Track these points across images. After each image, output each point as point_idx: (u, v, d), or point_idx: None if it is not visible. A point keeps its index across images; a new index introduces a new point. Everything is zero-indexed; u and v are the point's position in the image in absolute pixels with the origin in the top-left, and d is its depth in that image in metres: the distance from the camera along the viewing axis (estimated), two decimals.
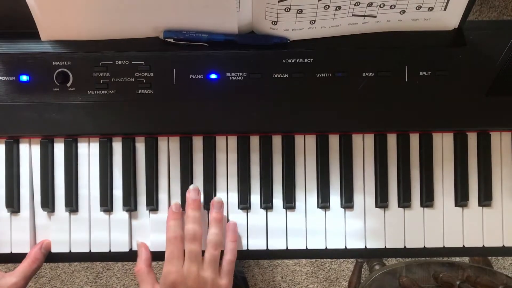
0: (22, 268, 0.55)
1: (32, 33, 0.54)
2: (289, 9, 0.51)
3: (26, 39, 0.56)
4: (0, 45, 0.55)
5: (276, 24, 0.54)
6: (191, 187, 0.56)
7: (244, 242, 0.58)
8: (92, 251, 0.58)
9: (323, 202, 0.58)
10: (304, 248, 0.58)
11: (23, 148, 0.58)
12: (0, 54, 0.55)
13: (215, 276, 0.53)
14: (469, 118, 0.56)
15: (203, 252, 0.54)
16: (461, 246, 0.59)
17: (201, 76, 0.55)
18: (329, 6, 0.51)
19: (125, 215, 0.58)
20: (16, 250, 0.58)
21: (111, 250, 0.58)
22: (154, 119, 0.55)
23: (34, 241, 0.58)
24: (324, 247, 0.58)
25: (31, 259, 0.55)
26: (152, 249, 0.58)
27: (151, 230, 0.58)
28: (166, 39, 0.55)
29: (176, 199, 0.58)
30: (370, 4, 0.52)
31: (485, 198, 0.58)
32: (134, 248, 0.58)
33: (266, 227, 0.58)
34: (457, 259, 1.19)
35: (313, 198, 0.58)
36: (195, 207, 0.55)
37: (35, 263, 0.55)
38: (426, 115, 0.56)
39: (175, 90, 0.55)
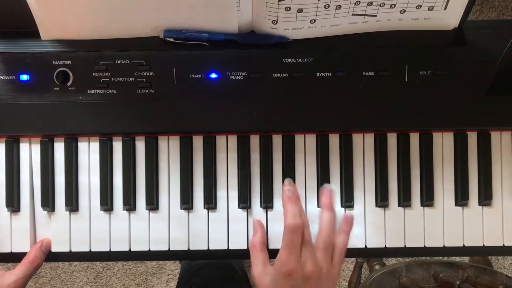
0: (22, 267, 0.55)
1: (32, 33, 0.54)
2: (289, 8, 0.51)
3: (26, 39, 0.56)
4: (0, 44, 0.55)
5: (276, 24, 0.54)
6: (286, 181, 0.56)
7: (244, 241, 0.58)
8: (92, 250, 0.58)
9: None
10: None
11: (23, 147, 0.58)
12: (0, 53, 0.55)
13: (328, 264, 0.51)
14: (469, 117, 0.56)
15: None
16: (461, 245, 0.59)
17: (201, 76, 0.55)
18: (329, 5, 0.51)
19: (125, 214, 0.58)
20: (16, 249, 0.57)
21: (111, 250, 0.58)
22: (154, 119, 0.55)
23: (34, 240, 0.58)
24: None
25: (31, 257, 0.55)
26: (153, 249, 0.58)
27: (151, 230, 0.58)
28: (166, 39, 0.55)
29: (176, 199, 0.58)
30: (370, 3, 0.52)
31: (485, 198, 0.58)
32: (134, 248, 0.58)
33: (266, 227, 0.58)
34: (457, 259, 1.19)
35: (313, 198, 0.58)
36: (296, 200, 0.54)
37: (35, 262, 0.55)
38: (426, 115, 0.56)
39: (175, 89, 0.55)
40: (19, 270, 0.54)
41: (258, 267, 0.52)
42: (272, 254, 0.58)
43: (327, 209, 0.54)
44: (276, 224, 0.58)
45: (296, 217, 0.51)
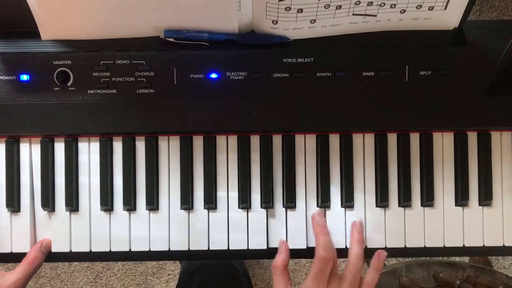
0: (22, 267, 0.55)
1: (32, 33, 0.54)
2: (290, 8, 0.51)
3: (26, 39, 0.56)
4: (0, 45, 0.55)
5: (276, 24, 0.54)
6: (316, 212, 0.57)
7: (244, 241, 0.58)
8: (92, 250, 0.58)
9: (323, 202, 0.58)
10: (305, 247, 0.58)
11: (24, 147, 0.58)
12: (0, 53, 0.55)
13: None
14: (469, 117, 0.56)
15: None
16: (461, 245, 0.59)
17: (202, 76, 0.55)
18: (329, 5, 0.51)
19: (125, 214, 0.58)
20: (16, 249, 0.57)
21: (111, 250, 0.58)
22: (155, 119, 0.55)
23: (34, 240, 0.58)
24: None
25: (31, 258, 0.55)
26: (153, 249, 0.58)
27: (151, 230, 0.58)
28: (167, 39, 0.55)
29: (177, 199, 0.58)
30: (371, 3, 0.52)
31: (485, 198, 0.58)
32: (134, 248, 0.58)
33: (266, 227, 0.58)
34: (457, 259, 1.18)
35: (313, 198, 0.58)
36: (327, 231, 0.56)
37: (35, 262, 0.55)
38: (426, 115, 0.56)
39: (175, 89, 0.55)
40: (19, 271, 0.54)
41: (280, 287, 0.53)
42: (272, 254, 0.58)
43: (357, 242, 0.55)
44: (277, 224, 0.58)
45: (328, 249, 0.53)
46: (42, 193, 0.57)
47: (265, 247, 0.58)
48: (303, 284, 0.52)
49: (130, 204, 0.57)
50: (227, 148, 0.59)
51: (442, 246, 0.58)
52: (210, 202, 0.57)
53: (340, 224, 0.58)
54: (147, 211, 0.58)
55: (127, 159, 0.58)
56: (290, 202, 0.58)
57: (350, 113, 0.56)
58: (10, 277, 0.54)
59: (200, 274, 0.90)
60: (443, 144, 0.59)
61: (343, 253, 0.58)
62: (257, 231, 0.58)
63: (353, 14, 0.53)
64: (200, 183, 0.58)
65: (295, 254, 0.59)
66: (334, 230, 0.58)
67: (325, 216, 0.58)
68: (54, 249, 0.58)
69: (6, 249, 0.58)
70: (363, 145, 0.59)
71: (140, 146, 0.58)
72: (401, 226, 0.58)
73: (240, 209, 0.58)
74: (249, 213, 0.58)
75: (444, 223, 0.59)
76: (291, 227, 0.58)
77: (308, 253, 0.58)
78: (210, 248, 0.58)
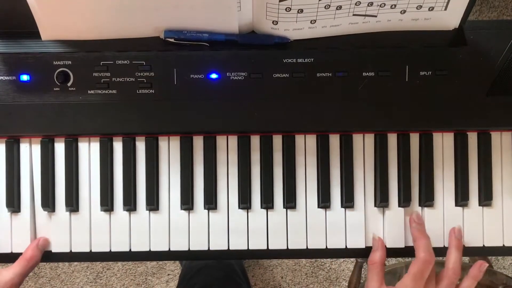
0: (19, 264, 0.55)
1: (32, 33, 0.54)
2: (290, 8, 0.51)
3: (26, 39, 0.55)
4: (0, 45, 0.55)
5: (276, 24, 0.54)
6: (414, 215, 0.57)
7: (244, 241, 0.58)
8: (92, 250, 0.58)
9: (324, 202, 0.58)
10: (305, 248, 0.58)
11: (24, 147, 0.58)
12: (0, 53, 0.55)
13: None
14: (469, 118, 0.56)
15: None
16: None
17: (202, 76, 0.55)
18: (329, 6, 0.51)
19: (126, 214, 0.58)
20: (16, 249, 0.57)
21: (111, 250, 0.58)
22: (155, 119, 0.55)
23: None
24: (324, 247, 0.58)
25: (28, 255, 0.55)
26: (153, 249, 0.58)
27: (152, 230, 0.58)
28: (167, 39, 0.55)
29: (177, 199, 0.58)
30: (371, 4, 0.52)
31: (486, 198, 0.58)
32: (134, 248, 0.58)
33: (266, 227, 0.58)
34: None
35: (313, 198, 0.58)
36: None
37: (32, 260, 0.55)
38: (426, 115, 0.56)
39: (175, 90, 0.55)
40: (15, 268, 0.54)
41: (374, 283, 0.54)
42: (272, 254, 0.58)
43: (456, 248, 0.55)
44: (277, 224, 0.58)
45: (430, 251, 0.53)
46: (42, 193, 0.57)
47: (265, 247, 0.58)
48: (400, 283, 0.52)
49: (130, 204, 0.57)
50: (227, 148, 0.59)
51: (442, 246, 0.58)
52: (210, 202, 0.57)
53: (340, 224, 0.58)
54: (147, 211, 0.58)
55: (127, 159, 0.58)
56: (290, 202, 0.58)
57: (350, 113, 0.56)
58: (7, 274, 0.54)
59: (201, 276, 0.91)
60: (443, 144, 0.59)
61: (342, 253, 0.58)
62: (257, 231, 0.58)
63: (353, 15, 0.53)
64: (200, 183, 0.58)
65: (295, 254, 0.59)
66: (334, 230, 0.58)
67: (325, 216, 0.58)
68: (54, 249, 0.58)
69: (6, 249, 0.58)
70: (363, 145, 0.59)
71: (140, 146, 0.58)
72: (401, 226, 0.58)
73: (240, 209, 0.58)
74: (249, 213, 0.58)
75: (444, 223, 0.59)
76: (292, 227, 0.58)
77: (308, 253, 0.58)
78: (210, 248, 0.58)
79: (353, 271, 1.22)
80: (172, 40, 0.55)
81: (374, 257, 0.56)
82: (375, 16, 0.54)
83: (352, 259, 1.37)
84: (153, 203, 0.57)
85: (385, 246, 0.57)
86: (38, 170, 0.58)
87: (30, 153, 0.58)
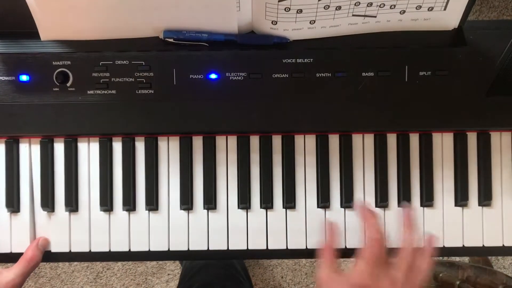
0: (20, 265, 0.55)
1: (32, 33, 0.54)
2: (289, 9, 0.51)
3: (26, 39, 0.56)
4: (0, 45, 0.55)
5: (276, 24, 0.54)
6: (359, 202, 0.57)
7: (244, 241, 0.58)
8: (92, 250, 0.58)
9: (323, 202, 0.58)
10: (304, 247, 0.58)
11: (23, 148, 0.58)
12: (0, 53, 0.55)
13: (405, 285, 0.49)
14: (469, 118, 0.56)
15: None
16: (461, 245, 0.59)
17: (201, 76, 0.55)
18: (329, 6, 0.51)
19: (125, 214, 0.58)
20: (16, 249, 0.58)
21: (111, 250, 0.58)
22: (154, 119, 0.55)
23: None
24: None
25: (28, 256, 0.55)
26: (153, 249, 0.58)
27: (151, 230, 0.58)
28: (166, 39, 0.55)
29: (176, 199, 0.58)
30: (370, 4, 0.52)
31: (485, 198, 0.58)
32: (134, 248, 0.58)
33: (266, 227, 0.58)
34: (457, 259, 1.19)
35: (313, 198, 0.58)
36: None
37: (33, 260, 0.55)
38: (426, 115, 0.56)
39: (175, 90, 0.55)
40: (17, 268, 0.54)
41: (326, 270, 0.51)
42: (272, 254, 0.58)
43: (409, 229, 0.53)
44: (276, 224, 0.58)
45: (379, 232, 0.51)
46: (41, 193, 0.57)
47: (264, 247, 0.58)
48: (354, 267, 0.50)
49: (129, 204, 0.57)
50: (226, 149, 0.59)
51: (442, 246, 0.58)
52: (210, 202, 0.57)
53: (340, 224, 0.58)
54: (147, 211, 0.58)
55: (127, 160, 0.58)
56: (289, 202, 0.58)
57: (350, 114, 0.56)
58: (8, 275, 0.54)
59: (202, 275, 0.90)
60: (443, 144, 0.59)
61: (342, 253, 0.58)
62: (256, 231, 0.58)
63: (353, 15, 0.53)
64: (200, 183, 0.58)
65: (294, 254, 0.59)
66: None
67: (324, 216, 0.58)
68: (54, 249, 0.58)
69: (6, 249, 0.58)
70: (363, 145, 0.59)
71: (140, 146, 0.58)
72: (400, 225, 0.58)
73: (239, 209, 0.58)
74: (248, 213, 0.58)
75: (443, 223, 0.59)
76: (291, 227, 0.58)
77: (307, 253, 0.58)
78: (210, 248, 0.58)
79: None
80: (171, 40, 0.55)
81: (326, 241, 0.54)
82: (375, 17, 0.54)
83: (352, 259, 1.37)
84: (152, 203, 0.57)
85: (336, 231, 0.56)
86: (37, 170, 0.58)
87: (29, 153, 0.58)
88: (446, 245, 0.58)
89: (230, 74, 0.55)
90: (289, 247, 0.58)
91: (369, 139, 0.59)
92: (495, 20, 1.23)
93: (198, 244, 0.58)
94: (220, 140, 0.58)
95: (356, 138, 0.59)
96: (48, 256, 0.58)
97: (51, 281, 1.40)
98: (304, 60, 0.55)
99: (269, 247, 0.58)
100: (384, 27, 0.55)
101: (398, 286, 0.49)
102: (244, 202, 0.58)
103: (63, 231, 0.58)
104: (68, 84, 0.55)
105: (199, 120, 0.55)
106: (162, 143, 0.58)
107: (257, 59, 0.55)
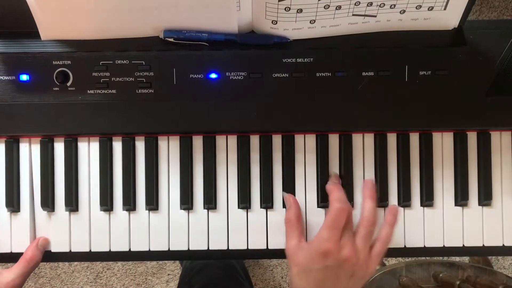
0: (20, 265, 0.55)
1: (32, 33, 0.54)
2: (289, 8, 0.51)
3: (26, 39, 0.56)
4: (0, 44, 0.55)
5: (276, 24, 0.54)
6: (333, 173, 0.57)
7: (244, 241, 0.58)
8: (92, 250, 0.58)
9: (323, 202, 0.58)
10: None
11: (23, 147, 0.58)
12: (0, 53, 0.55)
13: (366, 254, 0.52)
14: (469, 117, 0.56)
15: None
16: (461, 245, 0.59)
17: (201, 76, 0.55)
18: (329, 6, 0.51)
19: (125, 214, 0.58)
20: (16, 249, 0.57)
21: (111, 250, 0.58)
22: (154, 119, 0.55)
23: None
24: None
25: (28, 256, 0.55)
26: (153, 249, 0.58)
27: (151, 230, 0.58)
28: (166, 39, 0.55)
29: (176, 199, 0.58)
30: (370, 4, 0.52)
31: (485, 198, 0.58)
32: (134, 248, 0.58)
33: (266, 227, 0.58)
34: (457, 259, 1.19)
35: (313, 198, 0.58)
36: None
37: (33, 260, 0.55)
38: (426, 115, 0.56)
39: (175, 89, 0.55)
40: (17, 268, 0.54)
41: (293, 241, 0.53)
42: (272, 254, 0.58)
43: (370, 198, 0.54)
44: (276, 224, 0.58)
45: (343, 202, 0.52)
46: (41, 193, 0.57)
47: (264, 247, 0.58)
48: (316, 235, 0.51)
49: (129, 204, 0.57)
50: (226, 148, 0.59)
51: (442, 246, 0.58)
52: (210, 202, 0.57)
53: None
54: (147, 211, 0.58)
55: (127, 159, 0.58)
56: None
57: (350, 113, 0.56)
58: (8, 275, 0.54)
59: (202, 275, 0.91)
60: (443, 144, 0.59)
61: None
62: (256, 231, 0.58)
63: (353, 15, 0.53)
64: (200, 183, 0.58)
65: None
66: None
67: (324, 215, 0.58)
68: (54, 249, 0.58)
69: (6, 249, 0.58)
70: (363, 145, 0.59)
71: (140, 146, 0.58)
72: (400, 226, 0.58)
73: (239, 209, 0.58)
74: (248, 213, 0.58)
75: (443, 223, 0.59)
76: None
77: None
78: (210, 248, 0.58)
79: None
80: (171, 39, 0.55)
81: (289, 215, 0.55)
82: (375, 16, 0.54)
83: None
84: (152, 203, 0.57)
85: (297, 202, 0.56)
86: (37, 170, 0.58)
87: (29, 153, 0.58)
88: (446, 245, 0.58)
89: (230, 74, 0.55)
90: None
91: (369, 138, 0.59)
92: (495, 20, 1.23)
93: (198, 244, 0.58)
94: (220, 140, 0.58)
95: (356, 138, 0.59)
96: (48, 256, 0.58)
97: (51, 281, 1.40)
98: (304, 60, 0.55)
99: (269, 247, 0.58)
100: (384, 26, 0.55)
101: (360, 252, 0.51)
102: (244, 201, 0.58)
103: (63, 231, 0.58)
104: (68, 84, 0.55)
105: (199, 119, 0.55)
106: (162, 143, 0.58)
107: (257, 58, 0.55)
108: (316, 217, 0.58)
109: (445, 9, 0.53)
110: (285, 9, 0.51)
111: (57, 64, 0.55)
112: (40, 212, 0.58)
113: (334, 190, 0.54)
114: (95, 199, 0.58)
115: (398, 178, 0.58)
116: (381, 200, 0.58)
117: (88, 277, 1.40)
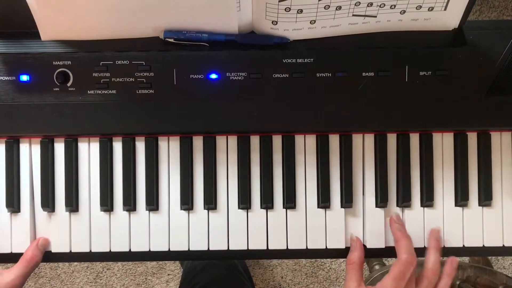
0: (20, 265, 0.55)
1: (32, 33, 0.54)
2: (290, 9, 0.51)
3: (26, 39, 0.56)
4: (0, 45, 0.55)
5: (276, 24, 0.54)
6: (395, 216, 0.58)
7: (244, 241, 0.58)
8: (92, 251, 0.58)
9: (323, 202, 0.58)
10: (304, 248, 0.58)
11: (23, 148, 0.58)
12: (0, 53, 0.55)
13: None
14: (469, 118, 0.56)
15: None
16: (461, 246, 0.59)
17: (202, 76, 0.55)
18: (329, 6, 0.51)
19: (125, 215, 0.58)
20: (16, 250, 0.57)
21: (111, 250, 0.58)
22: (154, 119, 0.55)
23: None
24: (324, 247, 0.58)
25: (28, 256, 0.55)
26: (153, 249, 0.58)
27: (151, 230, 0.58)
28: (167, 39, 0.55)
29: (177, 199, 0.58)
30: (371, 4, 0.52)
31: (485, 198, 0.58)
32: (134, 248, 0.58)
33: (266, 227, 0.58)
34: (457, 258, 1.18)
35: (313, 198, 0.58)
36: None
37: (33, 260, 0.55)
38: (426, 115, 0.56)
39: (175, 90, 0.55)
40: (17, 269, 0.54)
41: (353, 283, 0.53)
42: (272, 254, 0.58)
43: (435, 250, 0.55)
44: (277, 224, 0.58)
45: (411, 254, 0.53)
46: (42, 193, 0.57)
47: (265, 247, 0.58)
48: (380, 283, 0.52)
49: (130, 205, 0.57)
50: (227, 149, 0.59)
51: (442, 246, 0.58)
52: (210, 202, 0.57)
53: (340, 225, 0.58)
54: (147, 211, 0.58)
55: (127, 160, 0.58)
56: (290, 203, 0.58)
57: (350, 114, 0.56)
58: (8, 276, 0.54)
59: (204, 274, 0.91)
60: (443, 144, 0.59)
61: (341, 253, 0.58)
62: (257, 231, 0.58)
63: (353, 15, 0.53)
64: (200, 184, 0.58)
65: (294, 254, 0.59)
66: (334, 230, 0.58)
67: (324, 216, 0.58)
68: (54, 249, 0.58)
69: (6, 249, 0.58)
70: (363, 145, 0.59)
71: (140, 146, 0.58)
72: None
73: (240, 209, 0.58)
74: (249, 213, 0.58)
75: (444, 224, 0.59)
76: (291, 227, 0.58)
77: (308, 253, 0.58)
78: (210, 248, 0.58)
79: None
80: (171, 40, 0.55)
81: (352, 257, 0.55)
82: (375, 17, 0.54)
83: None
84: (152, 203, 0.57)
85: (363, 246, 0.57)
86: (38, 170, 0.58)
87: (30, 153, 0.58)
88: (446, 245, 0.58)
89: (231, 74, 0.55)
90: (289, 247, 0.58)
91: (369, 139, 0.59)
92: (495, 20, 1.23)
93: (198, 244, 0.58)
94: (220, 140, 0.58)
95: (356, 138, 0.59)
96: (48, 256, 0.58)
97: (51, 281, 1.40)
98: (304, 60, 0.55)
99: (269, 247, 0.58)
100: (384, 27, 0.55)
101: None
102: (244, 202, 0.58)
103: (63, 231, 0.58)
104: (68, 84, 0.55)
105: (200, 120, 0.55)
106: (163, 143, 0.58)
107: (257, 59, 0.55)
108: (316, 218, 0.58)
109: (445, 9, 0.53)
110: (285, 9, 0.51)
111: (57, 65, 0.55)
112: (40, 213, 0.58)
113: (403, 239, 0.54)
114: (95, 200, 0.58)
115: (398, 179, 0.59)
116: (381, 200, 0.58)
117: (88, 277, 1.40)
